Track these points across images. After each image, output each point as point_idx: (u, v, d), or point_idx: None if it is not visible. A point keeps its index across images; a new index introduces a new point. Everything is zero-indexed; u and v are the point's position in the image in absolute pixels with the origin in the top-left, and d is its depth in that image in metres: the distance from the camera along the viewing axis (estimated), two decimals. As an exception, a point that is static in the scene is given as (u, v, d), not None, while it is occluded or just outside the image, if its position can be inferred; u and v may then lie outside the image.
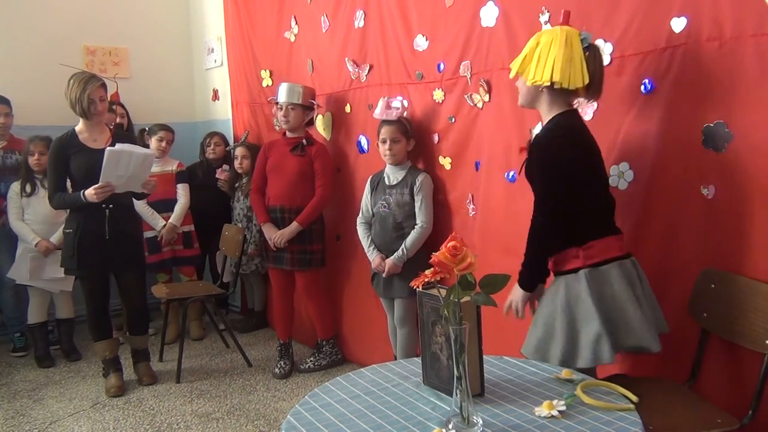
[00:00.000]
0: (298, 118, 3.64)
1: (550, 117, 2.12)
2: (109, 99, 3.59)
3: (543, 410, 1.49)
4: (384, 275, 3.20)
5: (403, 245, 3.13)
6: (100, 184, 3.18)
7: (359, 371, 1.86)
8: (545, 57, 2.04)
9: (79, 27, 4.87)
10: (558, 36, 2.03)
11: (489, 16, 2.75)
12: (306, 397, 1.69)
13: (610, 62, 2.33)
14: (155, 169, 4.30)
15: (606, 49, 2.34)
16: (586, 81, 2.03)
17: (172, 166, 4.42)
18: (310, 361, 3.79)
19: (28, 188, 3.99)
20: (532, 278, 2.17)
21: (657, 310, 2.13)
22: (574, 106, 2.18)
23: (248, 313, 4.81)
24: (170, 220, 4.27)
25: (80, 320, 4.40)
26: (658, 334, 2.05)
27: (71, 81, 3.31)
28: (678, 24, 2.14)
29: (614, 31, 2.32)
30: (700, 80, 2.10)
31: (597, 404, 1.52)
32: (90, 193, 3.19)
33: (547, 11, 2.50)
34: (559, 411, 1.48)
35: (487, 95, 2.80)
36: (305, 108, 3.66)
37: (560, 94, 2.08)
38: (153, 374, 3.71)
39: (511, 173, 2.71)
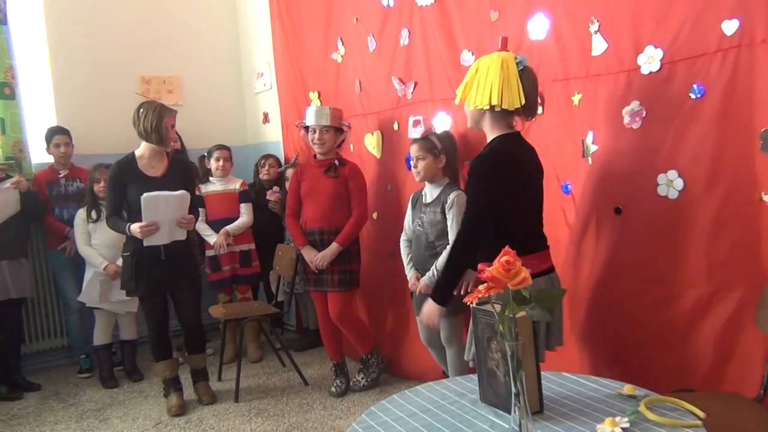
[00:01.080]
0: (331, 140, 3.66)
1: (493, 137, 2.28)
2: None
3: (605, 427, 1.45)
4: (417, 294, 3.14)
5: (433, 265, 3.04)
6: (144, 222, 3.29)
7: (415, 389, 1.85)
8: (484, 82, 2.19)
9: (136, 58, 5.06)
10: (495, 62, 2.17)
11: (538, 28, 2.74)
12: (363, 415, 1.69)
13: (660, 68, 2.29)
14: (218, 188, 4.41)
15: (656, 55, 2.30)
16: (522, 102, 2.16)
17: (236, 185, 4.51)
18: (361, 378, 3.78)
19: (93, 215, 4.13)
20: (447, 294, 2.35)
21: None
22: (516, 128, 2.32)
23: (303, 332, 4.85)
24: (227, 227, 4.36)
25: (142, 341, 4.54)
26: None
27: (143, 110, 3.39)
28: (730, 27, 2.09)
29: (665, 36, 2.28)
30: (755, 83, 2.04)
31: (662, 421, 1.47)
32: (135, 228, 3.31)
33: (597, 21, 2.47)
34: (622, 428, 1.44)
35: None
36: (337, 129, 3.68)
37: (501, 115, 2.24)
38: (212, 393, 3.77)
39: (567, 184, 2.68)
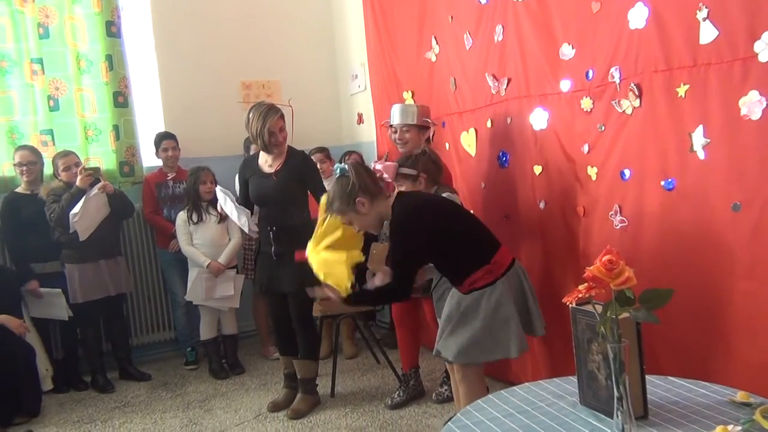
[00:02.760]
0: (414, 139, 3.54)
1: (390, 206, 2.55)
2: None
3: (717, 436, 1.37)
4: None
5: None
6: None
7: (511, 389, 1.82)
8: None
9: (237, 64, 5.27)
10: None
11: (638, 17, 2.63)
12: (458, 414, 1.69)
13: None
14: None
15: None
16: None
17: None
18: (445, 390, 3.60)
19: (194, 217, 4.30)
20: (358, 303, 2.92)
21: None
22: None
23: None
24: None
25: (243, 336, 4.74)
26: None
27: (251, 114, 3.36)
28: None
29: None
30: None
31: (781, 432, 1.37)
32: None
33: (706, 7, 2.33)
34: (735, 437, 1.36)
35: (638, 100, 2.66)
36: (421, 128, 3.57)
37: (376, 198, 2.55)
38: (299, 411, 3.56)
39: (670, 180, 2.55)
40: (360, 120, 5.40)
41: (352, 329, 4.65)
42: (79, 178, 3.99)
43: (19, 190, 4.26)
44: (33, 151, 4.29)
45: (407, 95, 4.51)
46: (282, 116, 3.44)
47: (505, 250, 2.58)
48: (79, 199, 3.96)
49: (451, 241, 2.53)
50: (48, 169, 4.34)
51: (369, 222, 2.61)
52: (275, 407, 3.68)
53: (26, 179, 4.21)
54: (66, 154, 4.25)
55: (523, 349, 2.53)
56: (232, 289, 4.37)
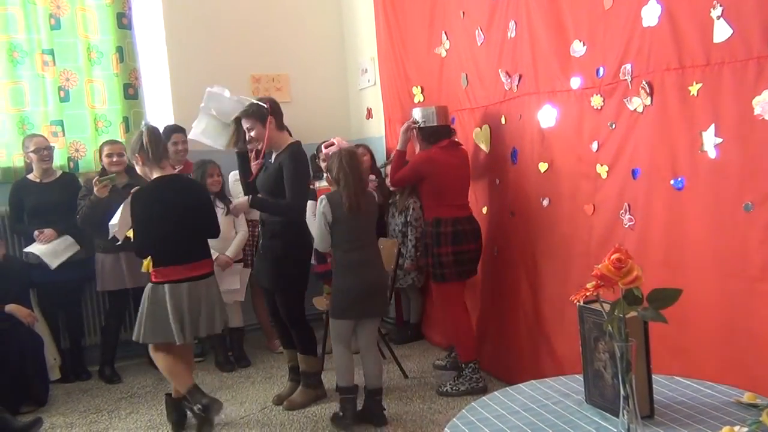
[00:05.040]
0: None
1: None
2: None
3: (723, 437, 1.37)
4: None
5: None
6: None
7: (517, 387, 1.82)
8: None
9: (246, 58, 5.27)
10: None
11: (651, 14, 2.61)
12: (463, 410, 1.68)
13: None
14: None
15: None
16: None
17: None
18: (449, 384, 3.67)
19: None
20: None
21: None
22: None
23: (404, 325, 4.88)
24: None
25: (249, 329, 4.74)
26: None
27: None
28: None
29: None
30: None
31: (788, 434, 1.36)
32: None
33: (720, 5, 2.31)
34: (742, 439, 1.35)
35: (649, 98, 2.64)
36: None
37: None
38: (294, 403, 3.59)
39: (680, 179, 2.53)
40: (369, 115, 5.39)
41: (358, 324, 4.64)
42: (96, 188, 3.98)
43: (30, 177, 4.28)
44: (46, 139, 4.33)
45: (417, 90, 4.50)
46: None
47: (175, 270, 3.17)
48: (99, 208, 3.96)
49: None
50: (61, 160, 4.38)
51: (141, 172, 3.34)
52: (279, 400, 3.70)
53: (44, 166, 4.23)
54: (113, 142, 4.34)
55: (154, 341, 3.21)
56: (237, 283, 4.38)
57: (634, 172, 2.76)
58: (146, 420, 3.60)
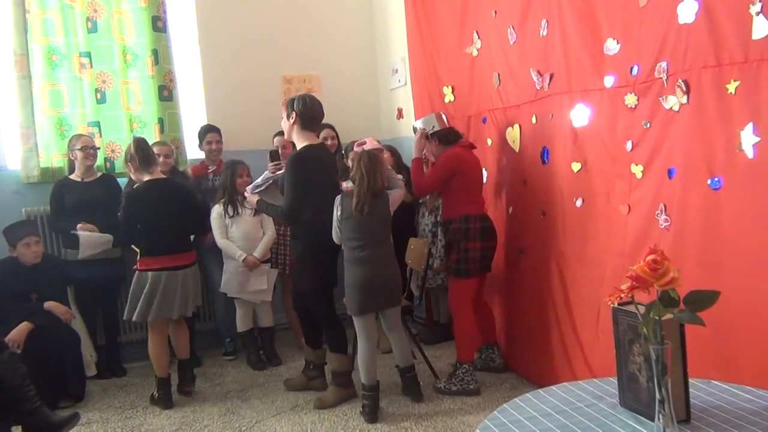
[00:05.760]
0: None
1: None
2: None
3: (763, 443, 1.34)
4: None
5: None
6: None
7: (549, 389, 1.80)
8: None
9: (278, 59, 5.32)
10: None
11: (687, 11, 2.56)
12: (495, 412, 1.67)
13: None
14: None
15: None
16: None
17: None
18: (443, 382, 3.72)
19: (230, 210, 4.34)
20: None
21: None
22: None
23: (433, 325, 4.87)
24: None
25: (280, 328, 4.79)
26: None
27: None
28: None
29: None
30: None
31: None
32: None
33: (760, 1, 2.26)
34: (783, 445, 1.32)
35: (685, 96, 2.60)
36: None
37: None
38: (325, 401, 3.64)
39: (717, 179, 2.48)
40: (399, 115, 5.40)
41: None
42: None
43: (72, 176, 4.39)
44: (92, 139, 4.47)
45: (447, 90, 4.49)
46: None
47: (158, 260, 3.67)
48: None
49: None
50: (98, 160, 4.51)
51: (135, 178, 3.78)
52: (287, 383, 3.98)
53: (88, 163, 4.34)
54: (163, 143, 4.48)
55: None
56: (265, 283, 4.41)
57: (670, 172, 2.71)
58: (179, 417, 3.66)
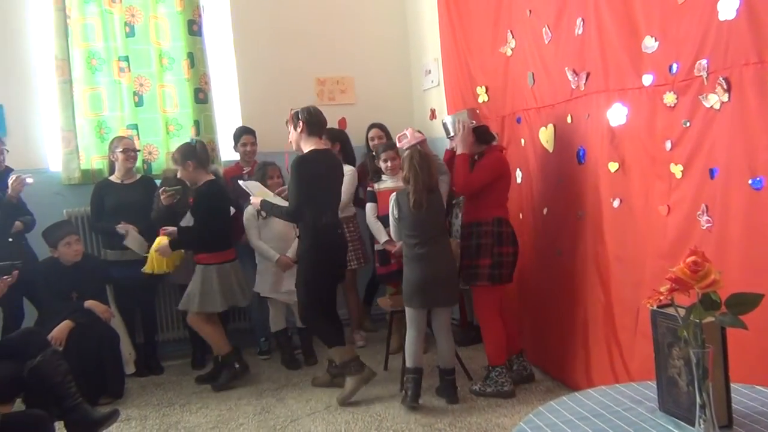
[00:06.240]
0: None
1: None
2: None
3: (809, 450, 1.30)
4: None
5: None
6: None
7: (586, 392, 1.78)
8: None
9: (311, 60, 5.36)
10: None
11: (728, 8, 2.50)
12: (530, 415, 1.66)
13: None
14: (390, 184, 4.43)
15: None
16: None
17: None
18: (479, 384, 3.69)
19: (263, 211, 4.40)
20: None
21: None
22: None
23: (467, 327, 4.85)
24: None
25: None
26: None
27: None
28: None
29: None
30: None
31: None
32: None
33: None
34: (830, 453, 1.28)
35: (726, 95, 2.54)
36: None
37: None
38: (344, 395, 3.68)
39: (759, 179, 2.42)
40: (432, 116, 5.38)
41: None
42: (162, 197, 4.21)
43: (112, 178, 4.49)
44: (133, 142, 4.58)
45: (481, 90, 4.46)
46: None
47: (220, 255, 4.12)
48: (165, 216, 4.22)
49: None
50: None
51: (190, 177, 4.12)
52: (314, 381, 4.07)
53: (128, 165, 4.44)
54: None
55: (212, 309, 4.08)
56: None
57: (711, 172, 2.65)
58: (216, 415, 3.71)
